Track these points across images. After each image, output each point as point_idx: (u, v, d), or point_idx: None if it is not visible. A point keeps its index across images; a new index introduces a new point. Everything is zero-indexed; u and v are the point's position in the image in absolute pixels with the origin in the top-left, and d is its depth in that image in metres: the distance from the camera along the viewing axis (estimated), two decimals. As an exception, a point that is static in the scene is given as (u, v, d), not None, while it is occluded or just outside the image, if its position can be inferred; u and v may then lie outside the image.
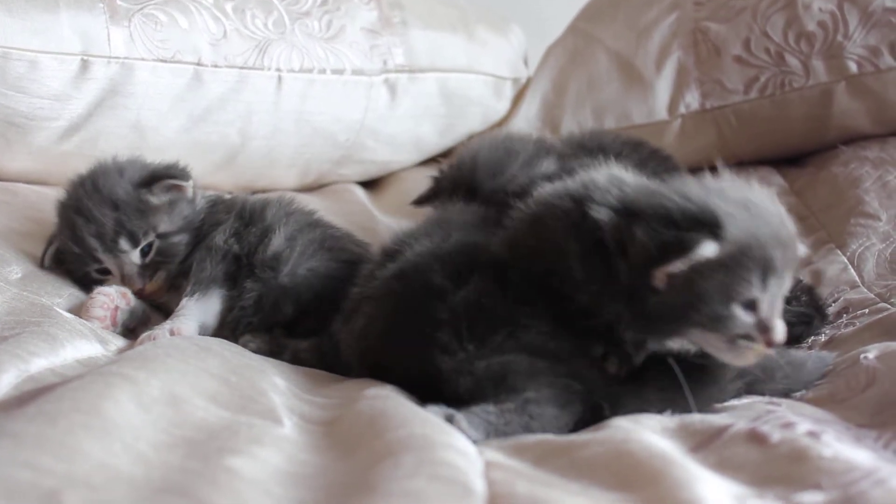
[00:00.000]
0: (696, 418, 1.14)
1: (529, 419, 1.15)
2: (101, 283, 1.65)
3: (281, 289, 1.60)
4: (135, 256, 1.64)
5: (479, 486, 0.94)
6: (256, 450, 1.00)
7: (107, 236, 1.63)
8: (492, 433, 1.12)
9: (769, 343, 1.17)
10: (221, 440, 1.02)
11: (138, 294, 1.64)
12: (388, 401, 1.16)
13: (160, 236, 1.66)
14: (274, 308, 1.60)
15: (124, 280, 1.64)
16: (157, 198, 1.66)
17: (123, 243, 1.63)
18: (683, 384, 1.20)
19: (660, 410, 1.18)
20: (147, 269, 1.65)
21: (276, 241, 1.63)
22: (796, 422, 1.07)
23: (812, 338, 1.59)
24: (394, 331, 1.31)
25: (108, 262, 1.64)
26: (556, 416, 1.17)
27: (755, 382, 1.29)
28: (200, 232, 1.69)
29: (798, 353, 1.40)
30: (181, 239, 1.68)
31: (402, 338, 1.29)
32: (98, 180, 1.67)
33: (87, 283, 1.67)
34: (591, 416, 1.19)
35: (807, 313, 1.62)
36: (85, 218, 1.63)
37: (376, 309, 1.35)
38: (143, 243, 1.64)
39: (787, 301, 1.60)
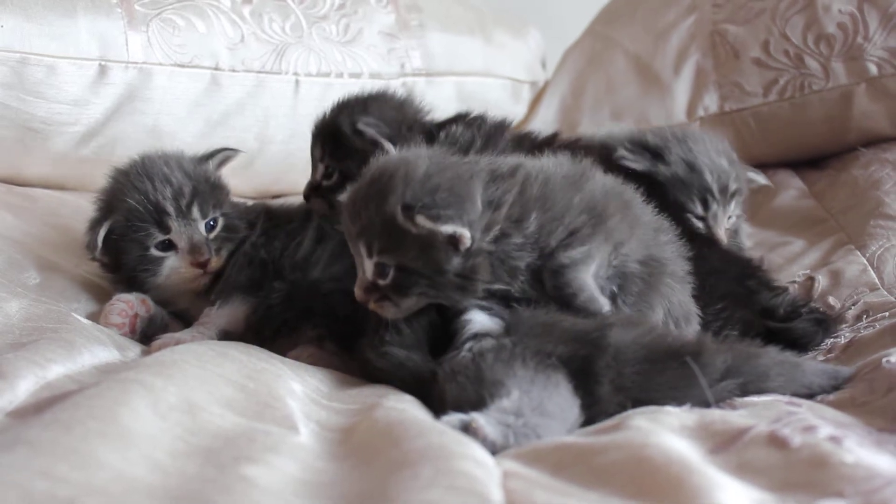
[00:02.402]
0: (717, 416, 1.14)
1: (539, 404, 1.15)
2: (158, 265, 1.63)
3: (312, 285, 1.60)
4: (202, 228, 1.64)
5: (496, 496, 0.93)
6: (272, 458, 1.00)
7: (183, 200, 1.63)
8: (510, 436, 1.12)
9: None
10: (238, 448, 1.02)
11: (202, 267, 1.63)
12: (406, 412, 1.17)
13: (225, 215, 1.67)
14: (305, 302, 1.60)
15: (192, 250, 1.62)
16: (217, 173, 1.72)
17: (195, 211, 1.64)
18: (702, 380, 1.21)
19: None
20: (213, 244, 1.64)
21: (307, 244, 1.64)
22: (817, 425, 1.06)
23: (831, 340, 1.58)
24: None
25: (178, 230, 1.63)
26: (553, 393, 1.18)
27: (749, 383, 1.27)
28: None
29: (792, 356, 1.38)
30: (242, 223, 1.69)
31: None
32: (165, 155, 1.70)
33: (135, 270, 1.64)
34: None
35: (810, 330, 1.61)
36: (162, 181, 1.63)
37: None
38: (211, 217, 1.65)
39: (789, 318, 1.60)
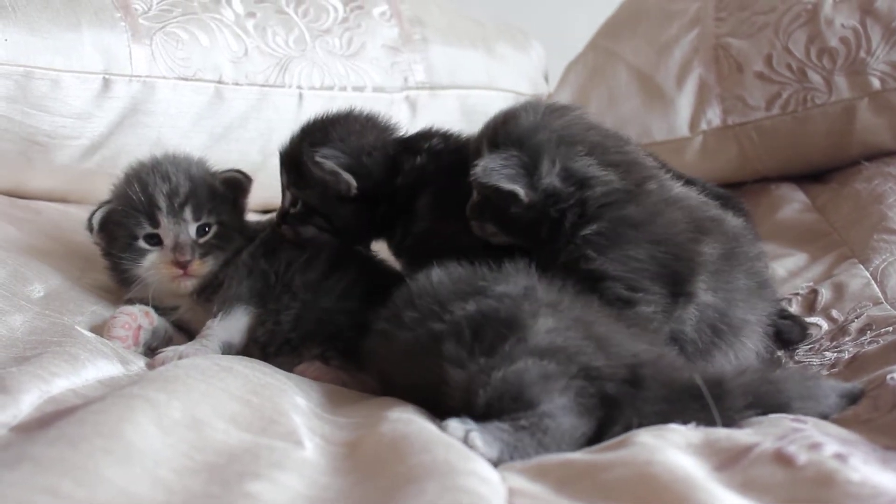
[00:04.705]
0: (722, 434, 1.13)
1: (543, 435, 1.14)
2: (140, 257, 1.65)
3: (322, 311, 1.60)
4: (192, 230, 1.65)
5: (501, 513, 0.93)
6: (277, 474, 1.00)
7: (176, 199, 1.64)
8: (505, 452, 1.12)
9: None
10: (242, 464, 1.02)
11: (182, 267, 1.64)
12: (412, 424, 1.16)
13: (220, 223, 1.68)
14: (313, 325, 1.59)
15: (175, 248, 1.63)
16: (223, 186, 1.71)
17: (188, 213, 1.65)
18: (709, 399, 1.19)
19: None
20: (199, 248, 1.65)
21: (321, 266, 1.63)
22: (823, 442, 1.05)
23: (835, 355, 1.58)
24: (401, 349, 1.34)
25: (166, 227, 1.64)
26: (574, 427, 1.17)
27: (768, 413, 1.23)
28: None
29: (820, 383, 1.34)
30: (240, 235, 1.70)
31: (409, 355, 1.32)
32: (177, 156, 1.73)
33: (123, 258, 1.65)
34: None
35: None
36: (161, 177, 1.66)
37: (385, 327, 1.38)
38: (204, 221, 1.66)
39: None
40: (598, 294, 1.38)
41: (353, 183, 1.57)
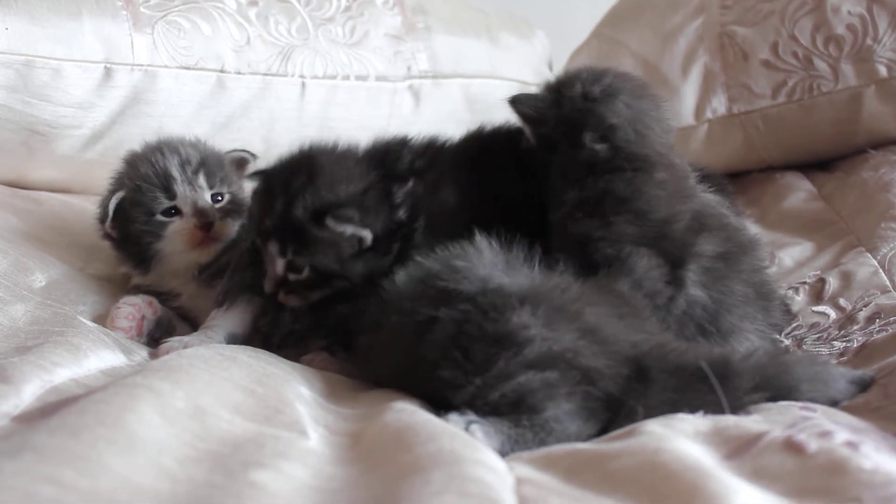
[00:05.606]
0: (731, 422, 1.12)
1: (546, 435, 1.14)
2: (162, 229, 1.66)
3: (325, 301, 1.59)
4: (207, 196, 1.68)
5: (510, 502, 0.92)
6: (282, 464, 0.99)
7: (189, 167, 1.67)
8: (507, 444, 1.12)
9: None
10: (247, 454, 1.01)
11: (207, 229, 1.65)
12: (416, 414, 1.15)
13: (232, 193, 1.71)
14: (316, 316, 1.58)
15: (196, 213, 1.65)
16: (229, 165, 1.75)
17: (202, 179, 1.67)
18: (717, 387, 1.18)
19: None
20: (218, 213, 1.67)
21: None
22: (833, 430, 1.04)
23: (844, 344, 1.57)
24: (393, 362, 1.33)
25: (184, 195, 1.66)
26: (580, 430, 1.16)
27: (776, 396, 1.23)
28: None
29: (829, 369, 1.34)
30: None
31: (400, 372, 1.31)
32: (179, 136, 1.77)
33: (140, 236, 1.67)
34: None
35: None
36: (172, 151, 1.69)
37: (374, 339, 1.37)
38: (217, 189, 1.69)
39: None
40: (588, 259, 1.38)
41: (369, 236, 1.48)
